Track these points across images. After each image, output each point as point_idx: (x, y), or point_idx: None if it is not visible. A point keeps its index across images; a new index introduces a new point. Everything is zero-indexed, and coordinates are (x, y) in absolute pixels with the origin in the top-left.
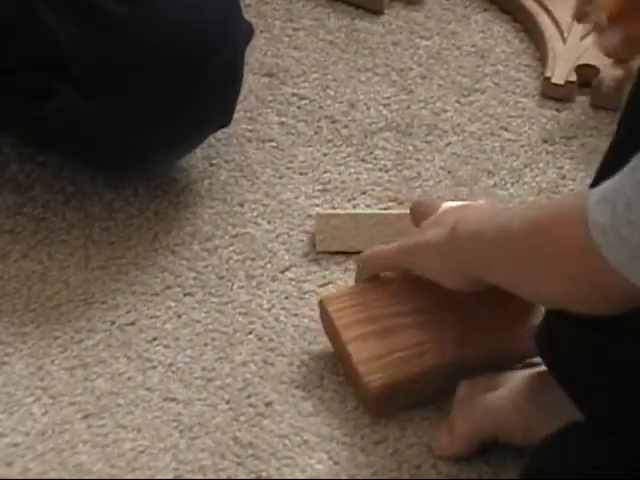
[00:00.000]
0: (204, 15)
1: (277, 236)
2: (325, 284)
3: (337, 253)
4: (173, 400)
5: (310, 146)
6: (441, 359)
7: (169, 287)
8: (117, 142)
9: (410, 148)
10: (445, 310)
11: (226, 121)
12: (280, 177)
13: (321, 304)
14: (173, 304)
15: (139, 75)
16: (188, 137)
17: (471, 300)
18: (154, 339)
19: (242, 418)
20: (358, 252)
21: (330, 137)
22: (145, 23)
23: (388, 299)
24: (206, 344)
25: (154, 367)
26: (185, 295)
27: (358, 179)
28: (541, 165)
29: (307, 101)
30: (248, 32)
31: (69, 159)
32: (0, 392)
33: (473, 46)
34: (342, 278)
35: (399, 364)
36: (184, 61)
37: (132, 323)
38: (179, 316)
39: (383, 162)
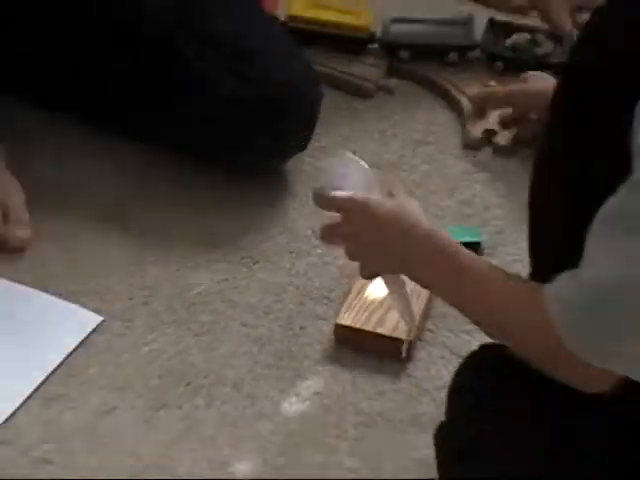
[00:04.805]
0: (302, 76)
1: None
2: None
3: None
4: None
5: None
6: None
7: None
8: (239, 151)
9: None
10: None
11: (303, 148)
12: None
13: (339, 326)
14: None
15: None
16: (277, 155)
17: None
18: None
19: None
20: None
21: None
22: (264, 80)
23: (373, 292)
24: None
25: None
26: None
27: None
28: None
29: None
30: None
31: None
32: None
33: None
34: None
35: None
36: (280, 104)
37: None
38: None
39: None
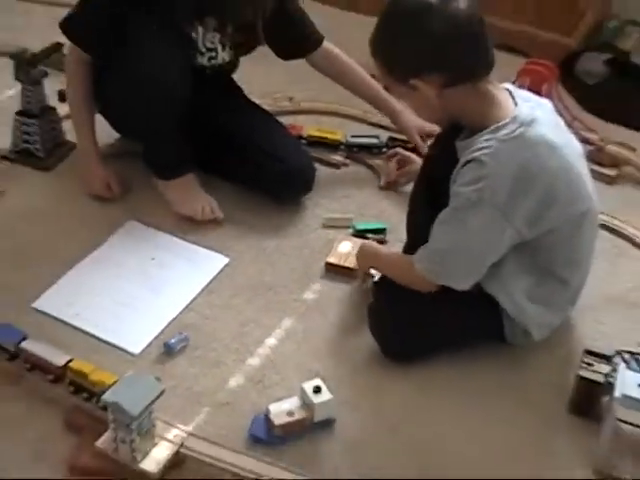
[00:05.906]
0: (308, 162)
1: None
2: None
3: None
4: None
5: None
6: None
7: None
8: (274, 192)
9: None
10: None
11: (308, 192)
12: None
13: (327, 262)
14: None
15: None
16: (292, 199)
17: None
18: None
19: None
20: None
21: None
22: (292, 164)
23: (343, 249)
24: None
25: None
26: None
27: None
28: (379, 205)
29: None
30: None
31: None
32: None
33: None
34: None
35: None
36: (298, 180)
37: None
38: None
39: None
